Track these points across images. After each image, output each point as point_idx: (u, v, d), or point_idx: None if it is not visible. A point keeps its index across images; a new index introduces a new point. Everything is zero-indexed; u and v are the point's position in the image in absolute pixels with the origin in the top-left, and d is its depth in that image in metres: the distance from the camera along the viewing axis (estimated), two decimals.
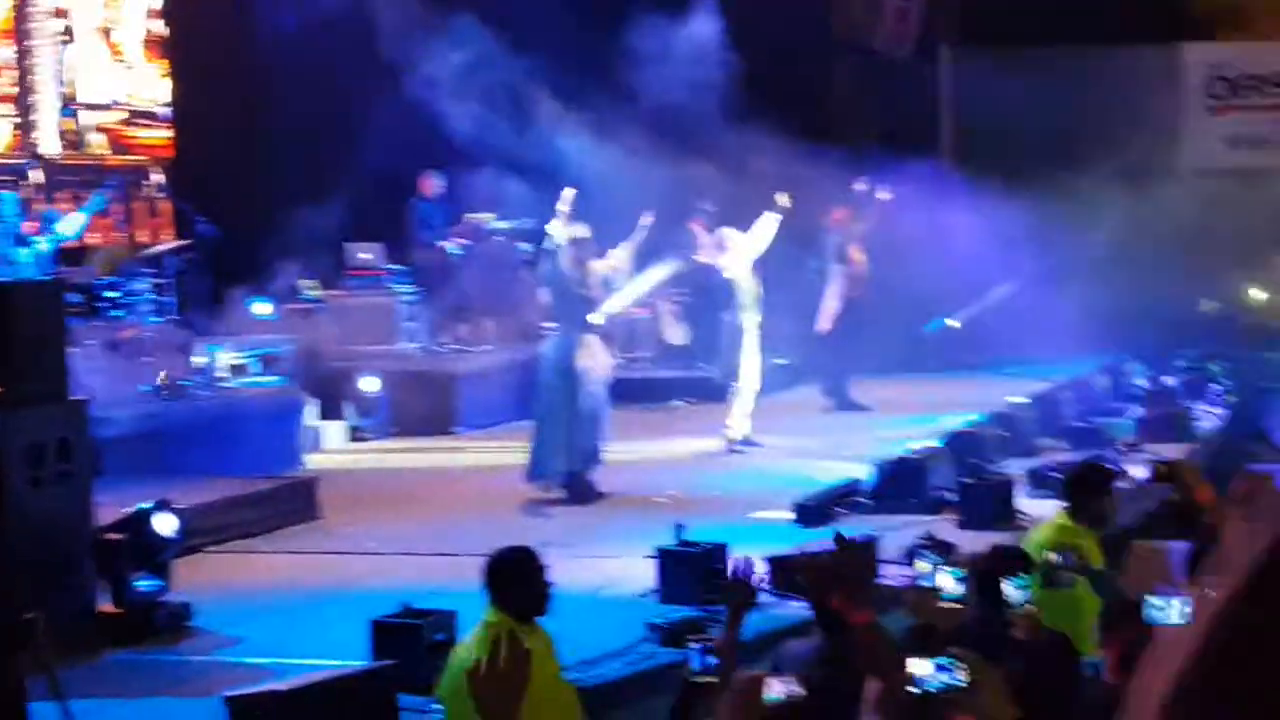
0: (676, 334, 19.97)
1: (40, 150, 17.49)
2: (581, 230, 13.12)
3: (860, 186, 17.68)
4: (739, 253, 15.25)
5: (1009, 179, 21.28)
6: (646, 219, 13.54)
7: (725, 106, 17.79)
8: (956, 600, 5.48)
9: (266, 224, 17.10)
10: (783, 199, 15.16)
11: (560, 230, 13.12)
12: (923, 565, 5.44)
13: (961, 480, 11.98)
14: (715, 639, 5.65)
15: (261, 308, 16.95)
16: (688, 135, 17.47)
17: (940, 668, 4.08)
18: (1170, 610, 5.53)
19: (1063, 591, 7.09)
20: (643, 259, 15.58)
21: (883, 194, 17.48)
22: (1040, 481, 12.38)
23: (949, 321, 21.09)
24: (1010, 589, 6.30)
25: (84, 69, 18.17)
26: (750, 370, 15.31)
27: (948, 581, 5.44)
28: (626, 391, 16.63)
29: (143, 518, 9.70)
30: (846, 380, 17.93)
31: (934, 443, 13.33)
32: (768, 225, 15.22)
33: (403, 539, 12.04)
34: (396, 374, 16.88)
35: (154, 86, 18.99)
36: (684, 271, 18.07)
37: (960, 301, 21.18)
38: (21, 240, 13.92)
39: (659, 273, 16.17)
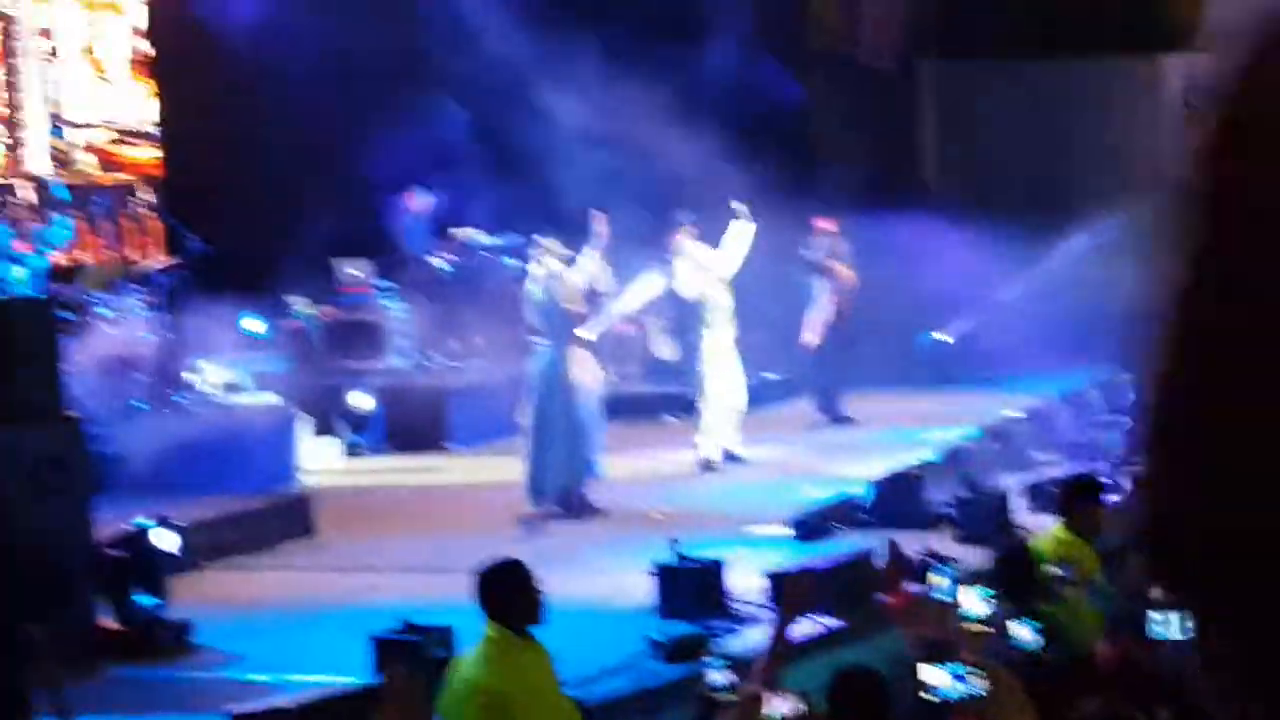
0: (665, 349, 19.96)
1: (30, 170, 17.46)
2: (567, 252, 13.18)
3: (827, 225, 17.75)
4: (709, 270, 15.24)
5: (996, 191, 21.36)
6: (600, 223, 13.47)
7: (701, 117, 17.81)
8: (979, 621, 5.39)
9: (257, 241, 17.07)
10: (740, 209, 15.15)
11: (553, 248, 13.15)
12: (937, 579, 5.39)
13: (958, 495, 11.97)
14: (769, 644, 5.51)
15: (253, 324, 16.93)
16: (661, 143, 17.48)
17: (958, 677, 4.08)
18: (1171, 625, 5.53)
19: (1063, 603, 7.11)
20: (621, 269, 15.61)
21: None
22: (1036, 495, 12.39)
23: (941, 335, 21.11)
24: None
25: (70, 88, 18.14)
26: (727, 386, 15.27)
27: (971, 600, 5.35)
28: (617, 407, 16.62)
29: (143, 534, 9.69)
30: (838, 394, 17.93)
31: (929, 457, 13.33)
32: (738, 235, 15.19)
33: (399, 555, 12.02)
34: (388, 390, 16.86)
35: (141, 105, 18.98)
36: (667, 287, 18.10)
37: (952, 315, 21.20)
38: (15, 259, 13.86)
39: (646, 289, 16.18)
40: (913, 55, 24.74)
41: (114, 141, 18.65)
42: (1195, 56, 25.49)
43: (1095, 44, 24.16)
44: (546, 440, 13.01)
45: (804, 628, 7.96)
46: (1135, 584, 7.20)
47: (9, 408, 9.21)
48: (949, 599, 5.36)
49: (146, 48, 18.98)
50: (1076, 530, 8.36)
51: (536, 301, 13.22)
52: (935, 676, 4.08)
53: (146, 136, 18.95)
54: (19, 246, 14.18)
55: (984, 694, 4.07)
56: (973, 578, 8.65)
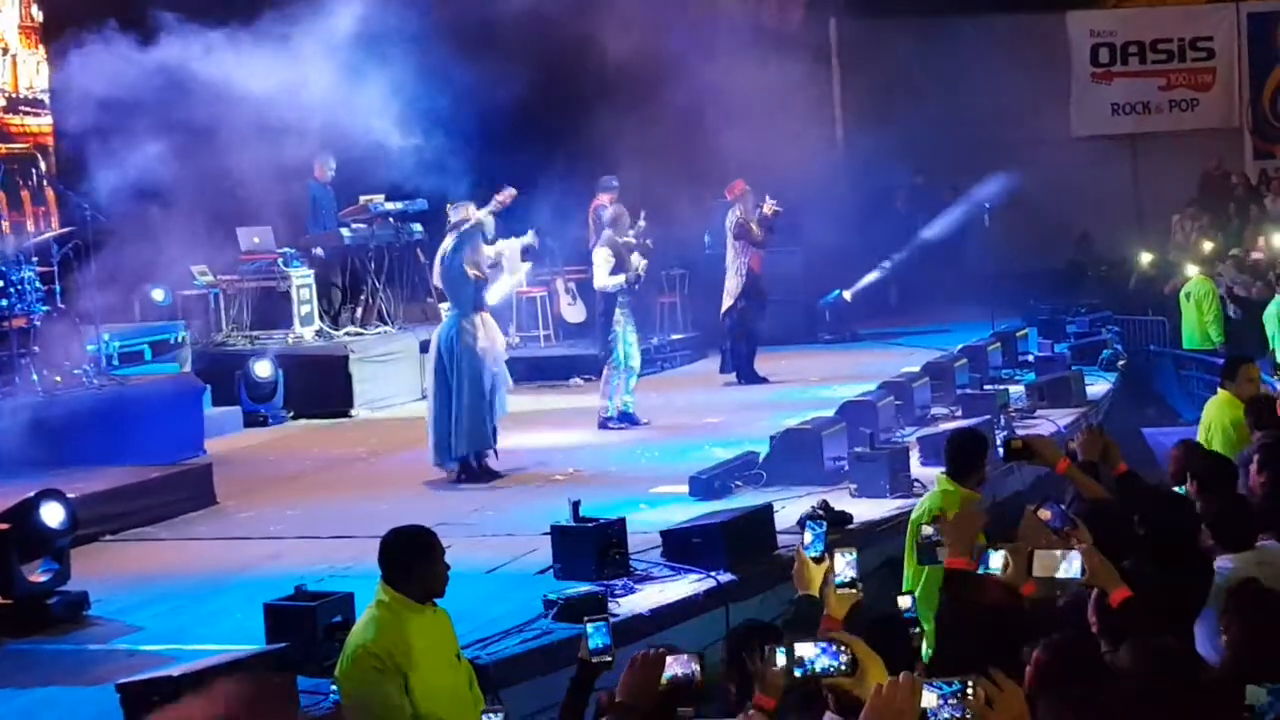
0: (573, 312, 19.98)
1: None
2: (481, 215, 13.16)
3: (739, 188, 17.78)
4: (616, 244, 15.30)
5: (900, 150, 21.47)
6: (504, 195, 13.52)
7: (611, 82, 17.80)
8: (847, 585, 5.18)
9: (156, 210, 16.88)
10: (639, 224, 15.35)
11: (469, 214, 13.13)
12: (807, 535, 5.27)
13: (856, 450, 12.06)
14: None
15: (153, 294, 16.77)
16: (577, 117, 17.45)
17: (824, 650, 4.07)
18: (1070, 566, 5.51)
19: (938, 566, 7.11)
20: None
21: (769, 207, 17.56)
22: (934, 450, 12.48)
23: (843, 294, 21.25)
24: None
25: None
26: (633, 349, 15.34)
27: (840, 564, 5.16)
28: (524, 370, 16.64)
29: (29, 507, 9.59)
30: (749, 354, 17.96)
31: (828, 414, 13.42)
32: (638, 261, 15.34)
33: (300, 523, 11.99)
34: (291, 358, 16.77)
35: (33, 73, 18.73)
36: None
37: (853, 274, 21.34)
38: None
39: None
40: (819, 15, 24.76)
41: (5, 109, 18.41)
42: (1094, 12, 25.83)
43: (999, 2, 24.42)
44: (450, 406, 13.01)
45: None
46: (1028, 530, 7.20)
47: None
48: (816, 554, 5.28)
49: (36, 14, 18.73)
50: (962, 482, 8.51)
51: (442, 267, 13.19)
52: (803, 649, 4.05)
53: (38, 104, 18.72)
54: None
55: (847, 666, 4.04)
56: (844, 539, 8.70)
